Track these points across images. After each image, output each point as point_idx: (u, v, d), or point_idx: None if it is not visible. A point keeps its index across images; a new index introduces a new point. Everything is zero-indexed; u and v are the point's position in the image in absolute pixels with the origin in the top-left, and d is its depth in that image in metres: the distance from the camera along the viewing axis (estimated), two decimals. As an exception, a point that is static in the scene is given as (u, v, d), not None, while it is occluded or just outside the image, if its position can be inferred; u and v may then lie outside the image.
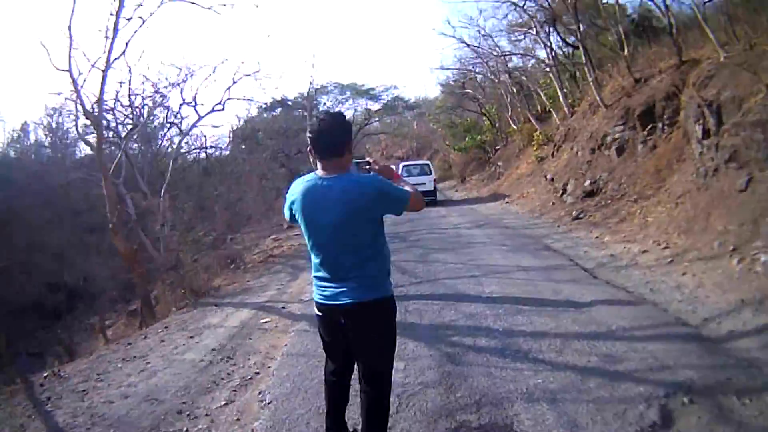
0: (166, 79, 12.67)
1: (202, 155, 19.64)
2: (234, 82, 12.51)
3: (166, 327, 5.08)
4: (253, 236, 12.70)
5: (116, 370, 3.71)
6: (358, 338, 1.94)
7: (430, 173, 16.50)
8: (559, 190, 11.20)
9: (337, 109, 31.46)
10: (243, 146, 25.60)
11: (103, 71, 8.20)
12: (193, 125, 13.27)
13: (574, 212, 9.07)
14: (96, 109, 8.72)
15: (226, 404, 2.90)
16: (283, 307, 5.23)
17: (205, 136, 18.20)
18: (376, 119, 38.17)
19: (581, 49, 12.38)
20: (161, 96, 12.66)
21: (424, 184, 15.37)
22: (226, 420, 2.70)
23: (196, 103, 12.67)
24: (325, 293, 1.95)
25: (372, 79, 74.48)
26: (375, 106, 35.38)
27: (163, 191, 10.74)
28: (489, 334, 3.61)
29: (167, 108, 13.44)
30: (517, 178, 16.16)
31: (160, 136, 15.16)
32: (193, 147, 16.95)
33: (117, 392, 3.25)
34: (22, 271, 11.90)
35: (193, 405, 2.94)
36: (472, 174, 24.03)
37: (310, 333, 3.92)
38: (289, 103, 28.36)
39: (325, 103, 32.71)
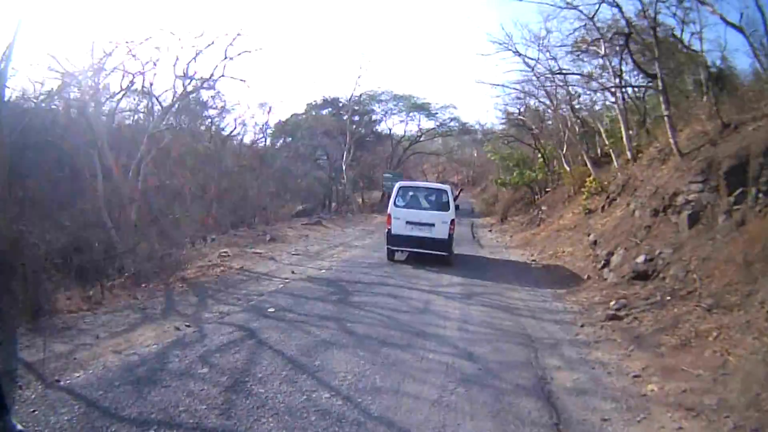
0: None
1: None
2: (227, 58, 11.46)
3: None
4: (225, 241, 10.65)
5: None
6: None
7: (448, 209, 9.11)
8: (601, 259, 8.09)
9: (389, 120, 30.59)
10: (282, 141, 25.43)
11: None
12: (176, 101, 12.04)
13: (612, 303, 6.01)
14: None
15: None
16: None
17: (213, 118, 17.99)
18: (431, 138, 35.10)
19: (657, 75, 9.21)
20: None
21: (433, 225, 8.87)
22: None
23: (186, 75, 11.38)
24: None
25: (429, 94, 71.34)
26: (429, 124, 32.70)
27: (141, 169, 10.00)
28: None
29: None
30: (557, 229, 12.94)
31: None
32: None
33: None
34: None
35: None
36: (515, 214, 21.05)
37: None
38: (340, 103, 27.58)
39: (376, 111, 30.87)
